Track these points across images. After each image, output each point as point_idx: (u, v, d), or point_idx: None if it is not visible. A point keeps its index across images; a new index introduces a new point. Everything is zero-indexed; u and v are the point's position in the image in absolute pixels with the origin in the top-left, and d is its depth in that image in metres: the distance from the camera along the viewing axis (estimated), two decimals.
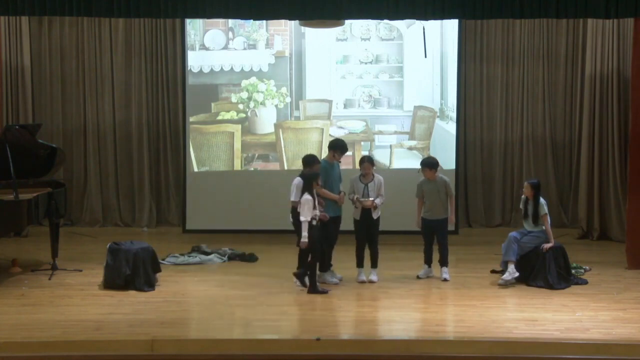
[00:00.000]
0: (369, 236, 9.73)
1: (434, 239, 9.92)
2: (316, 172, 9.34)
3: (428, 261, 9.95)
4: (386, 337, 7.99)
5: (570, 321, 8.27)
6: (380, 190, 9.65)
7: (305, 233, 9.06)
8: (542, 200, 9.80)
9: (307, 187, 9.18)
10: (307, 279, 9.31)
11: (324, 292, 9.18)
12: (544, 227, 9.74)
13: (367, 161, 9.68)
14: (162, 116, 13.02)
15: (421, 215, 9.92)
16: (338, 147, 9.74)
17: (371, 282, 9.69)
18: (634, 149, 10.43)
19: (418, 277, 9.85)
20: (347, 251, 10.18)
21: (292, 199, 9.40)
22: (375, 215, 9.67)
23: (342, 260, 10.34)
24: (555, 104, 12.90)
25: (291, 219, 9.52)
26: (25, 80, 12.75)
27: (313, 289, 9.17)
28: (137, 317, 8.31)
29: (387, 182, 9.86)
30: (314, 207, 9.13)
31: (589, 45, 12.20)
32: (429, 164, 9.88)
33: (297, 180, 9.43)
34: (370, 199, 9.57)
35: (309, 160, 9.58)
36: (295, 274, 9.39)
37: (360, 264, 9.76)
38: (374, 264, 9.78)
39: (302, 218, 9.08)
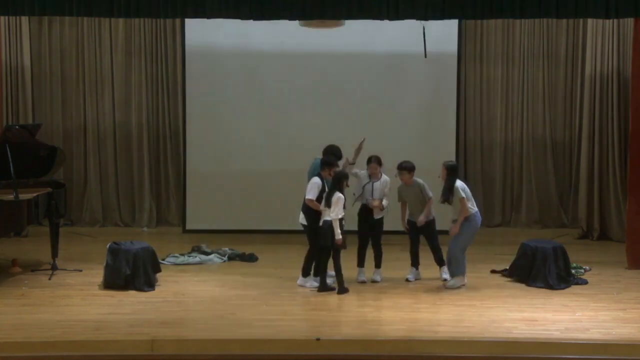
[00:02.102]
0: (372, 236, 9.73)
1: (419, 240, 9.87)
2: (346, 173, 9.39)
3: (415, 263, 9.89)
4: (386, 337, 7.98)
5: (570, 321, 8.27)
6: (385, 190, 9.64)
7: (338, 230, 9.12)
8: (459, 183, 9.42)
9: (338, 187, 9.20)
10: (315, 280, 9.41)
11: (333, 289, 9.22)
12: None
13: (374, 161, 9.67)
14: (162, 116, 13.02)
15: (407, 217, 9.89)
16: (331, 152, 9.74)
17: (374, 282, 9.70)
18: (634, 149, 10.44)
19: (407, 280, 9.81)
20: (348, 251, 10.16)
21: (311, 197, 9.36)
22: (377, 216, 9.67)
23: (342, 260, 10.34)
24: (555, 104, 12.90)
25: (305, 221, 9.48)
26: (25, 80, 12.74)
27: (323, 287, 9.23)
28: (137, 317, 8.31)
29: None
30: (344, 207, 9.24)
31: (589, 45, 12.21)
32: (405, 167, 9.70)
33: (316, 179, 9.43)
34: (379, 198, 9.56)
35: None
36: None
37: (360, 264, 9.75)
38: (378, 264, 9.79)
39: (333, 215, 9.10)
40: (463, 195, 9.35)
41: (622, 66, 11.87)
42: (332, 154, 9.73)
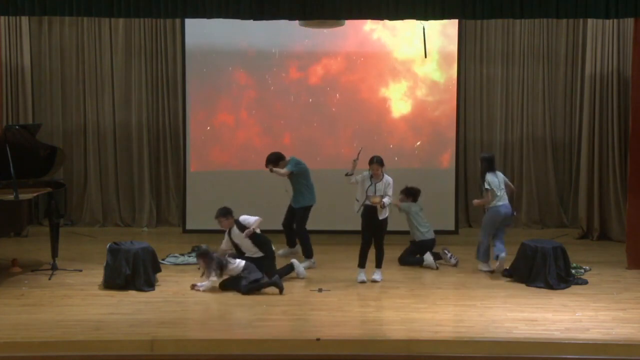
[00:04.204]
0: (376, 237, 9.73)
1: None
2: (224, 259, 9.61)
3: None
4: (386, 337, 7.99)
5: (570, 321, 8.28)
6: (386, 191, 9.63)
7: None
8: (488, 176, 10.18)
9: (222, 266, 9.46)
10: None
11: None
12: None
13: (376, 162, 9.64)
14: (162, 116, 13.02)
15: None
16: (273, 160, 10.57)
17: (374, 281, 9.70)
18: (634, 149, 10.44)
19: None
20: (348, 251, 10.21)
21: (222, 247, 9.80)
22: (381, 216, 9.66)
23: (342, 260, 10.38)
24: (555, 104, 12.90)
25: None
26: (25, 80, 12.74)
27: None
28: (137, 317, 8.32)
29: None
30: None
31: (589, 45, 12.20)
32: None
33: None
34: (379, 195, 9.55)
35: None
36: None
37: (362, 265, 9.75)
38: (379, 264, 9.79)
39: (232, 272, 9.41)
40: (486, 187, 10.11)
41: (622, 66, 11.86)
42: (275, 160, 10.47)
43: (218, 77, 12.43)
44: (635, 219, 10.36)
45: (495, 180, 10.16)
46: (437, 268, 10.30)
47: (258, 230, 9.70)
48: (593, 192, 12.22)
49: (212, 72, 12.43)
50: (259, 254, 9.67)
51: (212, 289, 9.36)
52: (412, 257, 10.52)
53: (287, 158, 10.63)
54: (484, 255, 10.16)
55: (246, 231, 9.58)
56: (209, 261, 9.33)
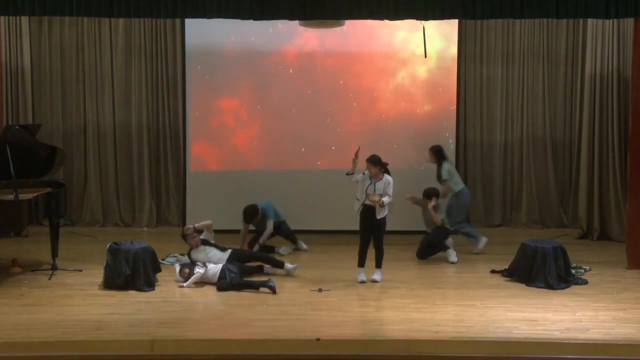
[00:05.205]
0: (375, 236, 9.72)
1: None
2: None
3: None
4: (386, 337, 7.98)
5: (570, 321, 8.28)
6: (386, 190, 9.62)
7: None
8: (445, 165, 11.26)
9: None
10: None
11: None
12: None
13: (368, 161, 9.63)
14: (162, 116, 13.01)
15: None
16: (249, 214, 11.18)
17: (374, 281, 9.70)
18: (634, 149, 10.44)
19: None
20: (348, 251, 10.19)
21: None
22: (379, 216, 9.65)
23: (342, 260, 10.37)
24: (555, 104, 12.90)
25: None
26: (25, 80, 12.74)
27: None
28: (137, 317, 8.32)
29: None
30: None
31: (589, 45, 12.19)
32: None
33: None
34: (378, 193, 9.54)
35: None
36: None
37: (361, 264, 9.75)
38: (379, 264, 9.79)
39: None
40: (446, 177, 11.16)
41: (622, 66, 11.86)
42: (252, 215, 11.08)
43: (218, 77, 12.43)
44: (635, 219, 10.36)
45: (452, 167, 11.37)
46: (454, 262, 10.66)
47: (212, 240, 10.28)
48: (593, 192, 12.21)
49: (212, 72, 12.43)
50: (227, 253, 9.97)
51: (212, 289, 9.38)
52: (441, 243, 10.87)
53: (259, 208, 11.17)
54: (472, 234, 11.21)
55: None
56: (191, 267, 9.68)
